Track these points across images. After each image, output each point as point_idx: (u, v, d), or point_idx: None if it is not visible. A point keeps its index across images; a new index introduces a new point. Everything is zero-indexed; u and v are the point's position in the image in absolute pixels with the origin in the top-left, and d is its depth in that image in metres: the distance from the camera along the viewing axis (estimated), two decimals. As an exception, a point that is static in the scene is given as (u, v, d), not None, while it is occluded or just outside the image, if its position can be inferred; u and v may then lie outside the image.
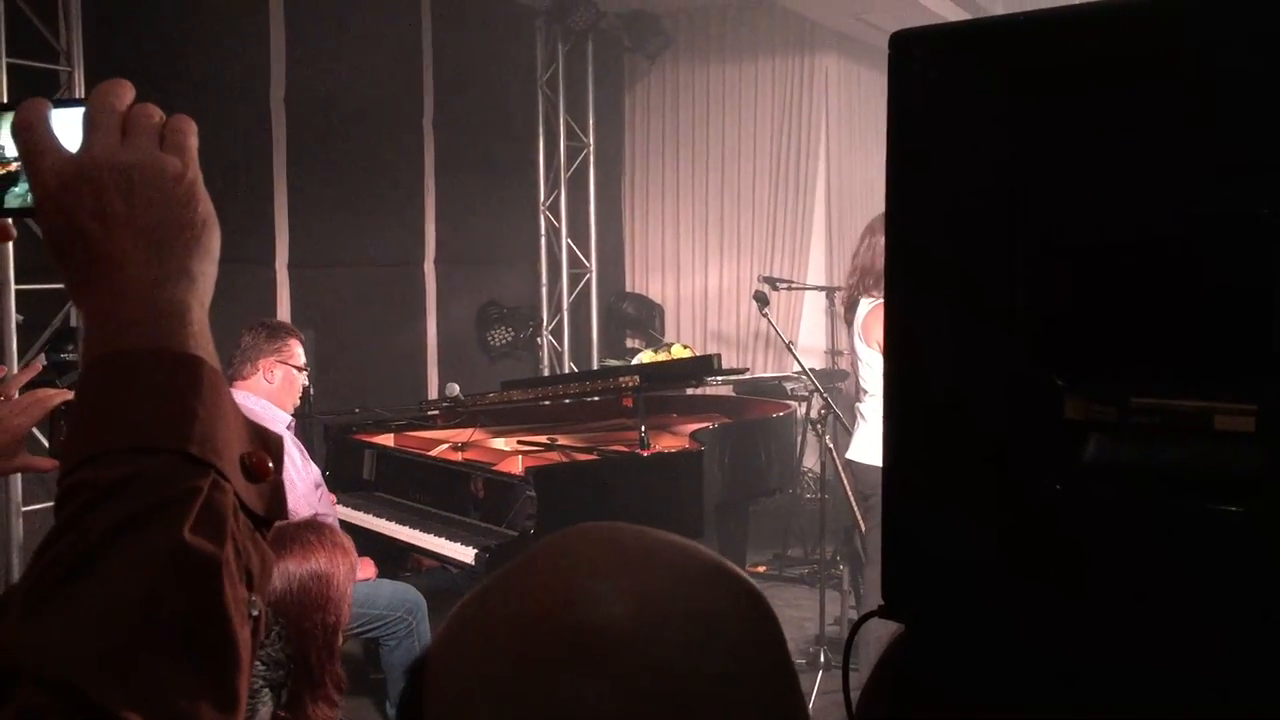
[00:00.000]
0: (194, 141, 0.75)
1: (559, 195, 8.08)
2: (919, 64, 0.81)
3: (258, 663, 2.10)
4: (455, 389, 5.26)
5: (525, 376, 7.40)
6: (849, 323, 4.41)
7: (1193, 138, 0.71)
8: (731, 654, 0.68)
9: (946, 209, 0.81)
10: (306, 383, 4.25)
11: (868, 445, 4.25)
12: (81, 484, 0.65)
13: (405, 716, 0.72)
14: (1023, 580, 0.79)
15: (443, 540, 4.29)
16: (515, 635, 0.67)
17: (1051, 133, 0.76)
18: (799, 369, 5.24)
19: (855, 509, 4.41)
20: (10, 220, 0.80)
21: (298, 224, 6.19)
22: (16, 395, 1.79)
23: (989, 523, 0.80)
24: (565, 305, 8.15)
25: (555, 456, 4.62)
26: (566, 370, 8.03)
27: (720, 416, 5.32)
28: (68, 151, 0.73)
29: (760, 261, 8.15)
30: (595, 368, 7.93)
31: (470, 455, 4.86)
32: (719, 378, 5.46)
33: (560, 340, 8.16)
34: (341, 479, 4.98)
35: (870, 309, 4.20)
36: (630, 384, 4.77)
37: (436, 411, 5.56)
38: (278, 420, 4.03)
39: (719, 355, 5.27)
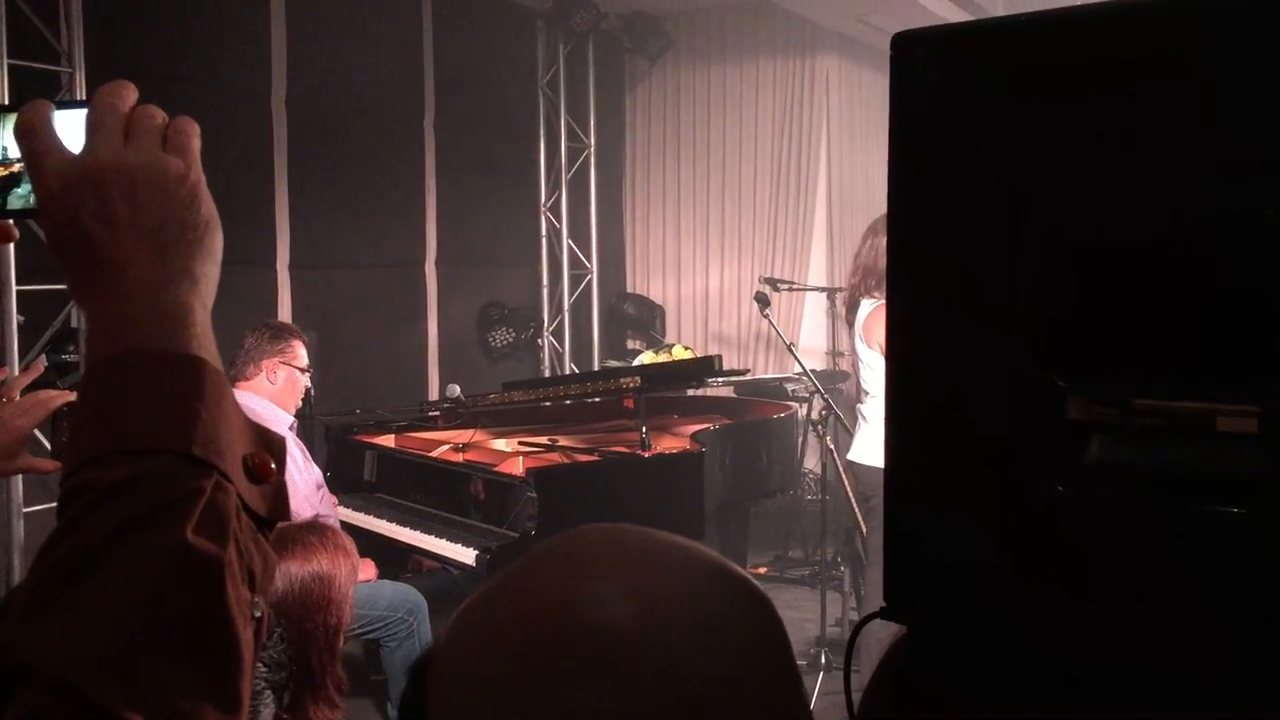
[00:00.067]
0: (197, 143, 0.75)
1: (560, 196, 8.09)
2: (921, 65, 0.81)
3: (260, 664, 2.10)
4: (456, 390, 5.26)
5: (526, 377, 7.40)
6: (850, 324, 4.41)
7: (1195, 138, 0.71)
8: (735, 656, 0.68)
9: (948, 210, 0.81)
10: (309, 384, 4.25)
11: (869, 446, 4.25)
12: (84, 485, 0.65)
13: (408, 717, 0.72)
14: (1025, 582, 0.78)
15: (444, 541, 4.29)
16: (519, 637, 0.67)
17: (1053, 134, 0.76)
18: (800, 370, 5.24)
19: (856, 510, 4.42)
20: (12, 221, 0.80)
21: (299, 225, 6.19)
22: (18, 396, 1.79)
23: (991, 524, 0.80)
24: (566, 306, 8.15)
25: (556, 458, 4.62)
26: (567, 371, 8.03)
27: (721, 418, 5.32)
28: (70, 153, 0.73)
29: (761, 262, 8.15)
30: (596, 369, 7.93)
31: (471, 456, 4.86)
32: (720, 379, 5.46)
33: (561, 341, 8.16)
34: (342, 480, 4.98)
35: (871, 310, 4.20)
36: (631, 385, 4.77)
37: (437, 412, 5.56)
38: (280, 421, 4.04)
39: (720, 356, 5.26)
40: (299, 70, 6.12)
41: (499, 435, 5.14)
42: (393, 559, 4.62)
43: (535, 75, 7.96)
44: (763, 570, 6.50)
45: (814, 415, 5.63)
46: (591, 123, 8.13)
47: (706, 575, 0.71)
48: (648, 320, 8.44)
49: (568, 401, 5.33)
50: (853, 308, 4.35)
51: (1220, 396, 0.71)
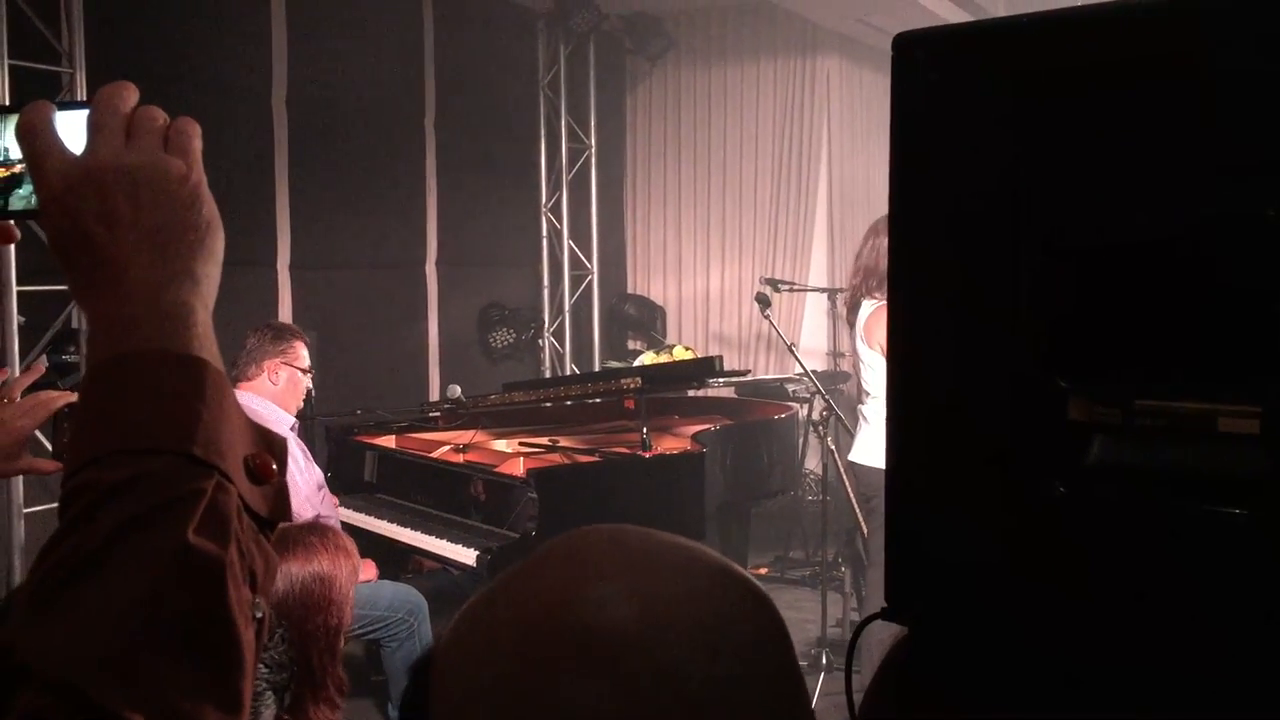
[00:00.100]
0: (198, 144, 0.75)
1: (561, 197, 8.09)
2: (922, 66, 0.81)
3: (261, 665, 2.10)
4: (457, 390, 5.26)
5: (527, 378, 7.40)
6: (851, 324, 4.41)
7: (1196, 139, 0.71)
8: (737, 656, 0.68)
9: (949, 210, 0.81)
10: (310, 385, 4.26)
11: (870, 447, 4.25)
12: (85, 485, 0.65)
13: (408, 718, 0.72)
14: (1026, 582, 0.78)
15: (444, 542, 4.29)
16: (521, 638, 0.67)
17: (1054, 134, 0.76)
18: (801, 371, 5.24)
19: (857, 511, 4.41)
20: (13, 222, 0.80)
21: (299, 225, 6.20)
22: (19, 397, 1.79)
23: (992, 525, 0.80)
24: (567, 307, 8.15)
25: (557, 458, 4.63)
26: (568, 372, 8.03)
27: (722, 418, 5.32)
28: (72, 154, 0.73)
29: (762, 263, 8.15)
30: (597, 369, 7.93)
31: (472, 457, 4.86)
32: (721, 379, 5.46)
33: (562, 342, 8.16)
34: (343, 480, 4.98)
35: (872, 311, 4.20)
36: (632, 386, 4.77)
37: (438, 413, 5.56)
38: (282, 421, 4.05)
39: (721, 357, 5.26)
40: (300, 71, 6.12)
41: (500, 436, 5.14)
42: (393, 559, 4.62)
43: (536, 76, 7.96)
44: (763, 571, 6.49)
45: (815, 416, 5.63)
46: (592, 123, 8.13)
47: (708, 576, 0.71)
48: (648, 321, 8.44)
49: (568, 402, 5.33)
50: (854, 308, 4.35)
51: (1221, 397, 0.71)
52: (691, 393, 5.84)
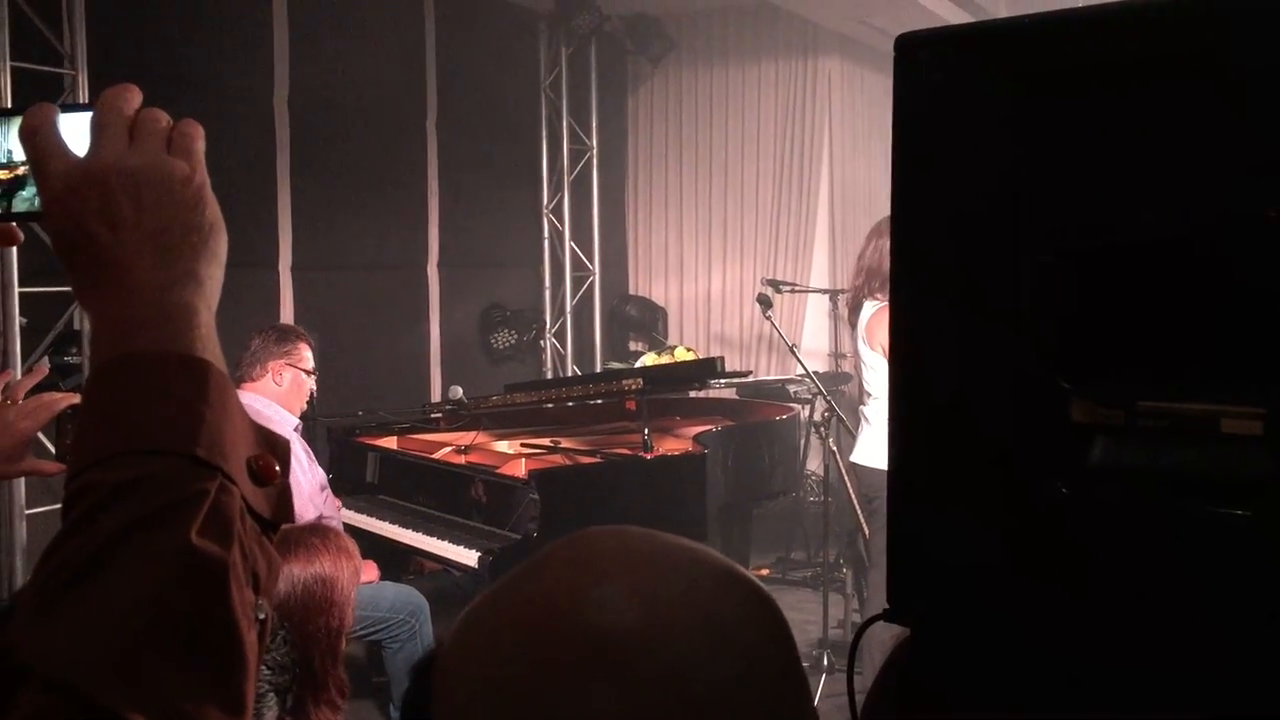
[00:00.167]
0: (201, 145, 0.75)
1: (562, 198, 8.09)
2: (924, 67, 0.81)
3: (263, 667, 2.10)
4: (458, 392, 5.26)
5: (528, 379, 7.40)
6: (853, 325, 4.41)
7: (1199, 139, 0.71)
8: (742, 658, 0.68)
9: (952, 211, 0.81)
10: (314, 386, 4.28)
11: (871, 448, 4.25)
12: (88, 487, 0.65)
13: (409, 718, 0.73)
14: (1028, 583, 0.78)
15: (446, 543, 4.29)
16: (525, 639, 0.67)
17: (1056, 135, 0.76)
18: (802, 372, 5.24)
19: (859, 512, 4.41)
20: (16, 224, 0.81)
21: (301, 226, 6.20)
22: (22, 399, 1.79)
23: (994, 525, 0.80)
24: (568, 308, 8.15)
25: (558, 459, 4.63)
26: (569, 373, 8.04)
27: (723, 419, 5.32)
28: (75, 156, 0.73)
29: (763, 264, 8.15)
30: (598, 370, 7.94)
31: (473, 458, 4.86)
32: (722, 380, 5.46)
33: (563, 343, 8.17)
34: (344, 482, 4.98)
35: (874, 312, 4.20)
36: (633, 387, 4.77)
37: (439, 414, 5.56)
38: (285, 422, 4.07)
39: (722, 358, 5.26)
40: (301, 72, 6.13)
41: (501, 437, 5.14)
42: (395, 561, 4.63)
43: (537, 77, 7.96)
44: (765, 572, 6.49)
45: (816, 417, 5.62)
46: (594, 125, 8.13)
47: (712, 577, 0.71)
48: (650, 322, 8.44)
49: (570, 403, 5.33)
50: (856, 309, 4.35)
51: (1225, 398, 0.71)
52: (693, 394, 5.85)
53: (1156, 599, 0.73)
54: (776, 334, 5.23)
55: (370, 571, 4.08)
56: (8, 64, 4.53)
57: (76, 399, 1.75)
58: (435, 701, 0.70)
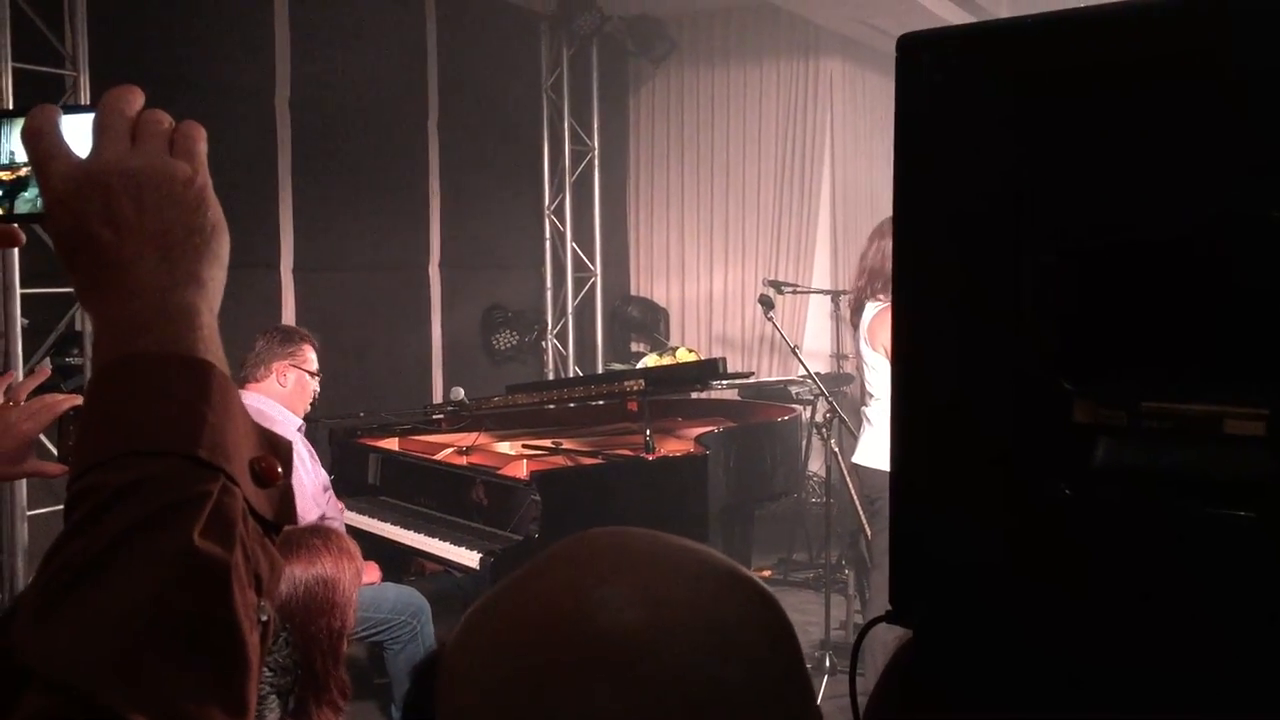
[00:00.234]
0: (203, 147, 0.75)
1: (564, 199, 8.09)
2: (926, 67, 0.81)
3: (265, 669, 2.10)
4: (460, 393, 5.27)
5: (530, 380, 7.39)
6: (855, 326, 4.40)
7: (1200, 139, 0.71)
8: (746, 659, 0.68)
9: (953, 212, 0.81)
10: (318, 388, 4.30)
11: (873, 449, 4.25)
12: (90, 488, 0.65)
13: (410, 719, 0.73)
14: (1030, 583, 0.78)
15: (447, 544, 4.29)
16: (528, 640, 0.67)
17: (1057, 135, 0.76)
18: (804, 373, 5.24)
19: (860, 513, 4.41)
20: (18, 225, 0.81)
21: (302, 227, 6.20)
22: (24, 400, 1.79)
23: (997, 526, 0.80)
24: (570, 309, 8.15)
25: (560, 460, 4.63)
26: (571, 374, 8.03)
27: (725, 420, 5.32)
28: (77, 157, 0.73)
29: (765, 265, 8.15)
30: (600, 371, 7.93)
31: (475, 459, 4.86)
32: (724, 381, 5.46)
33: (565, 344, 8.17)
34: (346, 483, 4.98)
35: (876, 313, 4.20)
36: (635, 388, 4.77)
37: (441, 415, 5.56)
38: (289, 422, 4.09)
39: (724, 359, 5.26)
40: (303, 73, 6.13)
41: (503, 438, 5.14)
42: (396, 562, 4.63)
43: (539, 78, 7.96)
44: (767, 573, 6.49)
45: (818, 418, 5.62)
46: (595, 126, 8.13)
47: (716, 578, 0.71)
48: (651, 323, 8.44)
49: (571, 404, 5.33)
50: (858, 310, 4.35)
51: (1228, 399, 0.71)
52: (695, 395, 5.84)
53: (1158, 600, 0.73)
54: (778, 335, 5.23)
55: (372, 573, 4.08)
56: (9, 65, 4.53)
57: (79, 400, 1.75)
58: (438, 702, 0.70)
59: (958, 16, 6.84)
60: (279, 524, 0.71)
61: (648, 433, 4.50)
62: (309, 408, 4.33)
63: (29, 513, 4.66)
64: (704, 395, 5.99)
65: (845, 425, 4.83)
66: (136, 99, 0.75)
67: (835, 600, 5.08)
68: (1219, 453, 0.71)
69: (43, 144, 0.73)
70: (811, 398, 6.20)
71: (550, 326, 8.09)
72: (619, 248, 8.65)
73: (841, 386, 6.88)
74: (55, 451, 1.90)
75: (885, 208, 0.85)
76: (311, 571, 2.30)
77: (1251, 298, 0.69)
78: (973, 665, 0.82)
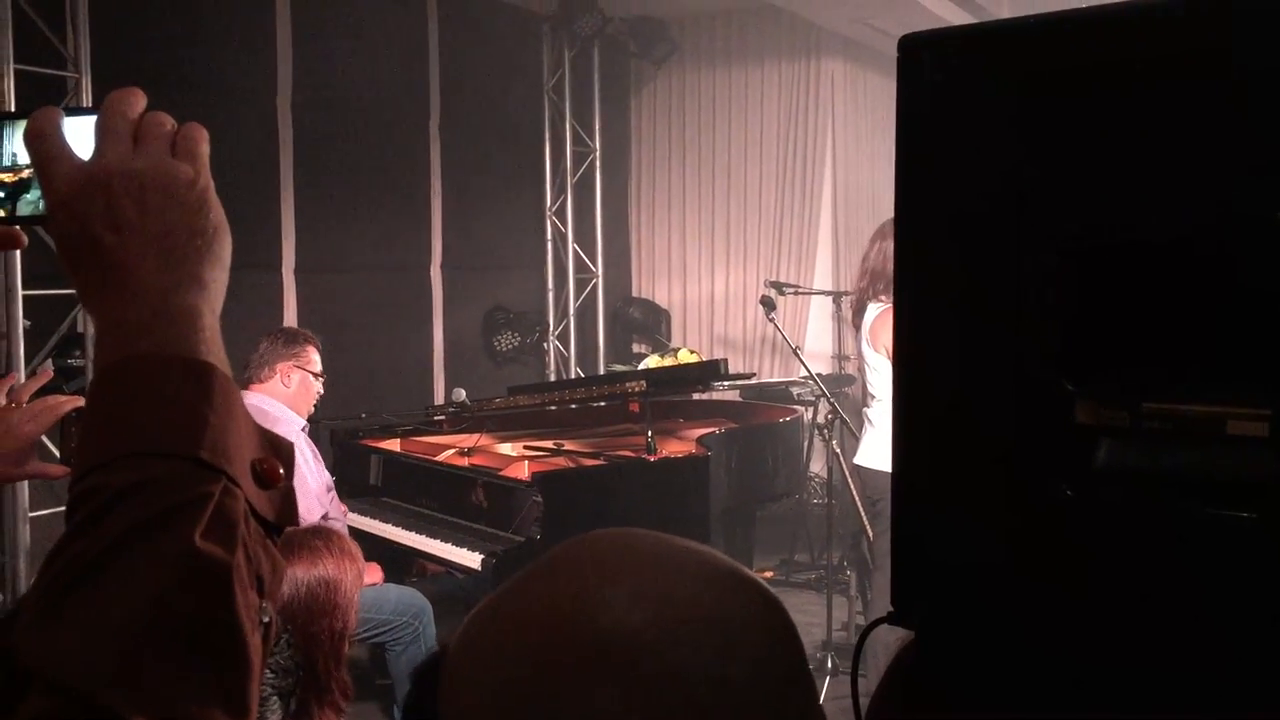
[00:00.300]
0: (205, 149, 0.75)
1: (565, 200, 8.09)
2: (927, 67, 0.81)
3: (267, 671, 2.10)
4: (461, 394, 5.27)
5: (531, 381, 7.40)
6: (857, 327, 4.40)
7: (1202, 139, 0.71)
8: (749, 660, 0.68)
9: (955, 212, 0.81)
10: (322, 389, 4.33)
11: (875, 450, 4.25)
12: (92, 490, 0.65)
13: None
14: (1031, 584, 0.78)
15: (449, 545, 4.29)
16: (532, 642, 0.67)
17: (1059, 135, 0.76)
18: (806, 374, 5.24)
19: (862, 514, 4.41)
20: (20, 227, 0.81)
21: (304, 229, 6.20)
22: (26, 402, 1.79)
23: (998, 527, 0.80)
24: (571, 310, 8.15)
25: (561, 462, 4.63)
26: (573, 375, 8.04)
27: (727, 421, 5.32)
28: (80, 159, 0.73)
29: (766, 266, 8.15)
30: (601, 373, 7.94)
31: (476, 460, 4.86)
32: (725, 383, 5.46)
33: (566, 345, 8.17)
34: (348, 484, 4.99)
35: (878, 314, 4.20)
36: (636, 389, 4.77)
37: (443, 416, 5.56)
38: (293, 423, 4.12)
39: (725, 360, 5.26)
40: (304, 74, 6.13)
41: (504, 439, 5.14)
42: (398, 563, 4.63)
43: (540, 79, 7.97)
44: (769, 574, 6.49)
45: (820, 419, 5.62)
46: (597, 127, 8.13)
47: (719, 579, 0.71)
48: (653, 324, 8.44)
49: (573, 405, 5.33)
50: (859, 311, 4.35)
51: (1231, 400, 0.70)
52: (696, 396, 5.84)
53: (1160, 600, 0.73)
54: (780, 336, 5.23)
55: (374, 574, 4.08)
56: (11, 67, 4.53)
57: (81, 402, 1.75)
58: (441, 704, 0.70)
59: (959, 17, 6.85)
60: (281, 525, 0.71)
61: (649, 434, 4.50)
62: (313, 409, 4.35)
63: (31, 514, 4.67)
64: (706, 396, 5.99)
65: (847, 426, 4.83)
66: (139, 101, 0.75)
67: (837, 601, 5.08)
68: (1221, 454, 0.71)
69: (45, 146, 0.73)
70: (813, 399, 6.20)
71: (552, 328, 8.09)
72: (620, 249, 8.66)
73: (843, 388, 6.88)
74: (57, 453, 1.90)
75: (887, 208, 0.85)
76: (313, 573, 2.30)
77: (1254, 298, 0.69)
78: (974, 666, 0.82)
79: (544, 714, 0.65)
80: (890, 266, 3.77)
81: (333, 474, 4.65)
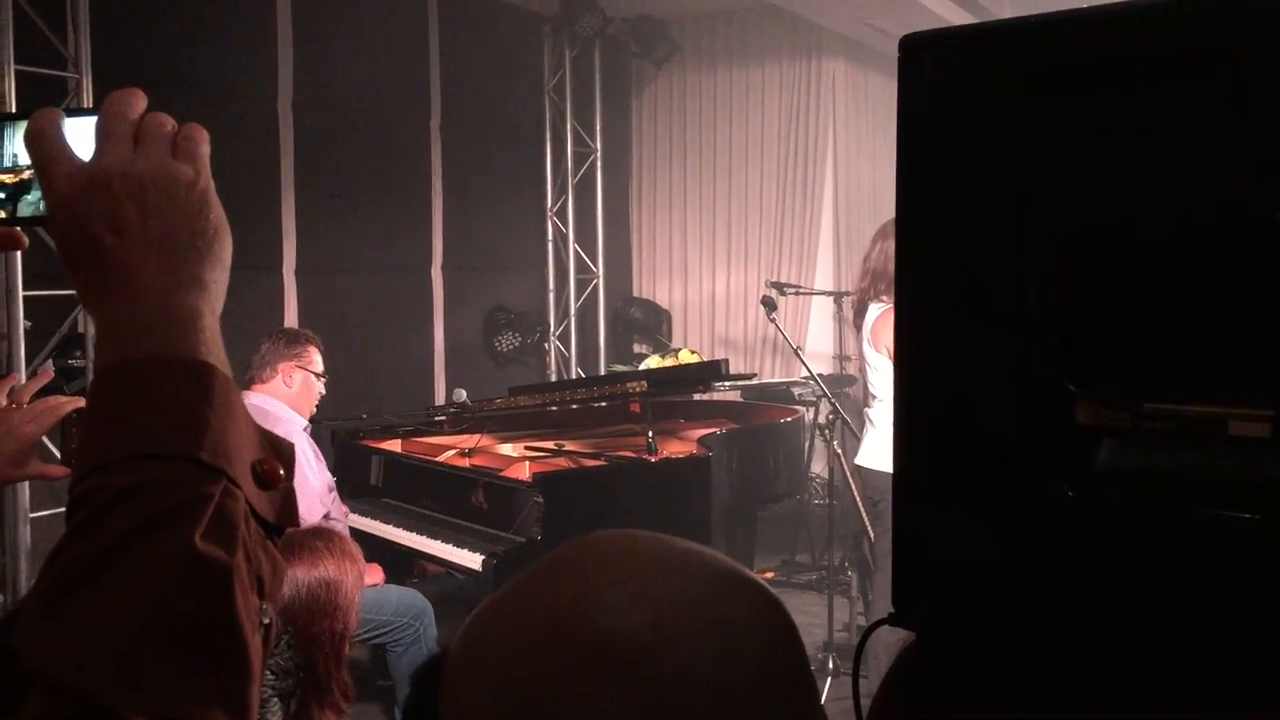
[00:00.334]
0: (206, 150, 0.75)
1: (566, 200, 8.09)
2: (928, 68, 0.81)
3: (267, 672, 2.10)
4: (462, 394, 5.27)
5: (532, 382, 7.40)
6: (858, 327, 4.40)
7: (1204, 140, 0.71)
8: (751, 662, 0.68)
9: (956, 212, 0.81)
10: (323, 389, 4.34)
11: (876, 451, 4.25)
12: (93, 491, 0.65)
13: (413, 721, 0.73)
14: (1032, 584, 0.78)
15: (450, 546, 4.29)
16: (532, 643, 0.67)
17: (1060, 135, 0.76)
18: (807, 374, 5.24)
19: (864, 515, 4.41)
20: (20, 228, 0.81)
21: (305, 229, 6.21)
22: (27, 403, 1.79)
23: (999, 528, 0.80)
24: (572, 310, 8.16)
25: (562, 462, 4.63)
26: (574, 376, 8.04)
27: (728, 422, 5.32)
28: (81, 160, 0.73)
29: (768, 266, 8.15)
30: (602, 373, 7.94)
31: (477, 461, 4.86)
32: (726, 383, 5.46)
33: (567, 345, 8.17)
34: (349, 485, 4.99)
35: (879, 314, 4.20)
36: (637, 389, 4.77)
37: (444, 417, 5.56)
38: (295, 423, 4.14)
39: (726, 360, 5.26)
40: (305, 75, 6.13)
41: (505, 440, 5.14)
42: (399, 564, 4.63)
43: (541, 80, 7.97)
44: (770, 575, 6.49)
45: (821, 419, 5.62)
46: (597, 127, 8.14)
47: (720, 581, 0.71)
48: (654, 324, 8.44)
49: (574, 406, 5.33)
50: (861, 312, 4.35)
51: (1233, 400, 0.70)
52: (697, 396, 5.84)
53: (1161, 601, 0.73)
54: (781, 336, 5.23)
55: (374, 575, 4.08)
56: (12, 68, 4.54)
57: (81, 403, 1.75)
58: (442, 705, 0.70)
59: (959, 17, 6.85)
60: (281, 526, 0.71)
61: (650, 434, 4.50)
62: (314, 409, 4.36)
63: (31, 515, 4.67)
64: (706, 397, 5.99)
65: (848, 427, 4.83)
66: (139, 102, 0.75)
67: (838, 602, 5.08)
68: (1222, 454, 0.71)
69: (46, 147, 0.73)
70: (814, 399, 6.21)
71: (553, 328, 8.09)
72: (621, 249, 8.66)
73: (844, 388, 6.88)
74: (58, 454, 1.90)
75: (888, 208, 0.85)
76: (314, 574, 2.30)
77: (1256, 299, 0.69)
78: (975, 666, 0.82)
79: (544, 715, 0.65)
80: (891, 267, 3.77)
81: (333, 475, 4.66)
